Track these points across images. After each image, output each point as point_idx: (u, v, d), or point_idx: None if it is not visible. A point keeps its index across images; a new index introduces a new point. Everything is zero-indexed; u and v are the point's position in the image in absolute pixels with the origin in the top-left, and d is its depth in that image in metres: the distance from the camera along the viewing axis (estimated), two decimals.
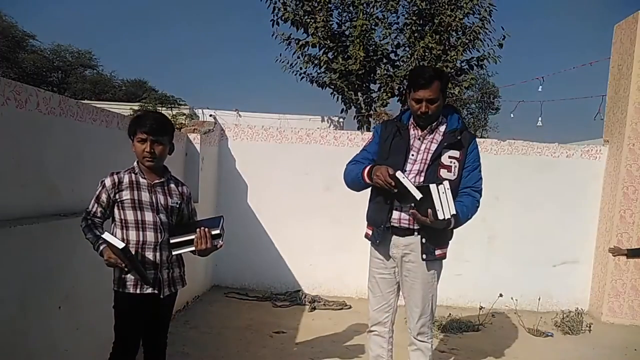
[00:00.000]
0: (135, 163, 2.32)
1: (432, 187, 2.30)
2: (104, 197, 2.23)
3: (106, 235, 2.07)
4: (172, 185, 2.39)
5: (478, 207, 2.57)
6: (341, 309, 4.97)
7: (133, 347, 2.32)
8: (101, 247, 2.16)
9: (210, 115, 12.26)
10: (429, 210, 2.31)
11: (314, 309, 4.91)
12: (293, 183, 5.40)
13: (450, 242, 2.64)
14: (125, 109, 12.36)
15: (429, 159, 2.49)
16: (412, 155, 2.54)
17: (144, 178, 2.29)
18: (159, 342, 2.45)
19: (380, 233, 2.59)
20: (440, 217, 2.30)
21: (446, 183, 2.32)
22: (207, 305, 4.79)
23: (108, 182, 2.24)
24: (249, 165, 5.47)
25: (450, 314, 4.69)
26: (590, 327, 4.63)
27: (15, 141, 2.42)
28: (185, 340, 3.79)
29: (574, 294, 5.27)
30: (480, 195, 2.58)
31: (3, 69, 22.12)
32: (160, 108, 17.79)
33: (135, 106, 17.28)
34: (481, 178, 2.59)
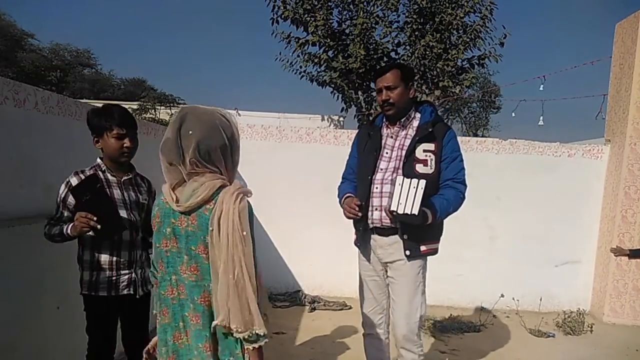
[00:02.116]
0: (98, 160, 2.22)
1: (399, 178, 2.26)
2: (70, 198, 2.09)
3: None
4: (140, 181, 2.32)
5: (463, 199, 2.48)
6: (341, 309, 4.95)
7: (108, 351, 2.24)
8: (69, 227, 2.04)
9: None
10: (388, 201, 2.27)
11: (314, 309, 4.89)
12: (293, 182, 5.37)
13: (441, 238, 2.55)
14: None
15: (403, 155, 2.45)
16: (387, 153, 2.51)
17: (113, 175, 2.21)
18: (141, 341, 2.38)
19: (361, 234, 2.58)
20: (393, 208, 2.24)
21: (422, 182, 2.22)
22: None
23: (74, 182, 2.11)
24: (248, 164, 5.31)
25: (451, 314, 4.68)
26: (591, 327, 4.62)
27: (14, 140, 2.40)
28: None
29: (576, 295, 5.25)
30: (465, 186, 2.49)
31: (1, 68, 22.04)
32: (159, 107, 17.78)
33: (134, 105, 17.29)
34: (463, 169, 2.50)
